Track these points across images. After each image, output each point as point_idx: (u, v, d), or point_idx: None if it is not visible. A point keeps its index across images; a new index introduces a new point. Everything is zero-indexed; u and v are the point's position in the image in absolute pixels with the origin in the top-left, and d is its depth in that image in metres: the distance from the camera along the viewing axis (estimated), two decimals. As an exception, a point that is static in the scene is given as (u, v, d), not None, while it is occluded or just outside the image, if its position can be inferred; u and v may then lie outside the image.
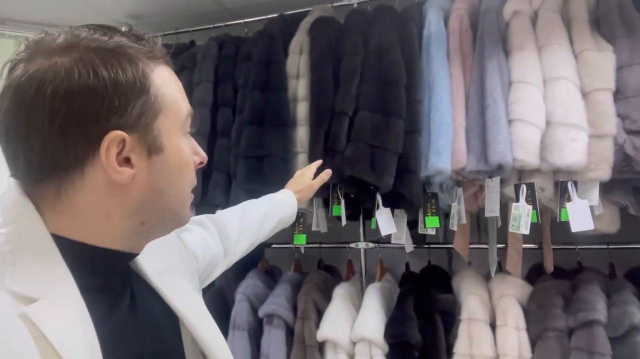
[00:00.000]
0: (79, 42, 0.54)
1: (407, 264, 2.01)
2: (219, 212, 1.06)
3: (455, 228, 1.65)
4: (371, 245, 1.98)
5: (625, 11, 1.51)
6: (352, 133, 1.62)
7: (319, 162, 1.37)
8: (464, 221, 1.64)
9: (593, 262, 1.79)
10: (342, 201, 1.70)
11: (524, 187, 1.48)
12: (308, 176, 1.30)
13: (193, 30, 2.34)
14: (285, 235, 1.44)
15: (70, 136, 0.52)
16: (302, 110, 1.82)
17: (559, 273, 1.76)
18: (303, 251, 1.95)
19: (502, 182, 1.57)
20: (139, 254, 0.64)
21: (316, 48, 1.85)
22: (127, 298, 0.61)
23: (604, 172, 1.40)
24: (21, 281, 0.50)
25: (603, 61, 1.46)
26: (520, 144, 1.43)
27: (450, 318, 1.64)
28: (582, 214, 1.40)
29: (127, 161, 0.56)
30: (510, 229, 1.50)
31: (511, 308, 1.57)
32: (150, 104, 0.56)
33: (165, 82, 0.59)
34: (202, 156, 0.66)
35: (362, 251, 2.03)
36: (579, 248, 1.75)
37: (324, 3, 2.05)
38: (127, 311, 0.60)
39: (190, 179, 0.64)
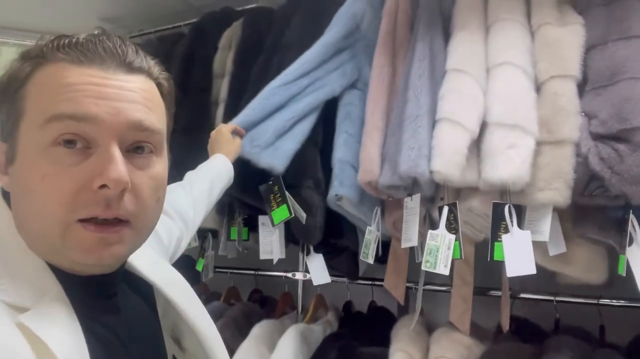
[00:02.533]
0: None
1: (347, 303, 1.63)
2: (168, 190, 0.99)
3: (369, 259, 1.27)
4: (309, 276, 1.65)
5: (608, -29, 1.08)
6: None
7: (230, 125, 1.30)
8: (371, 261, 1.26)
9: (582, 321, 1.30)
10: (240, 222, 1.41)
11: (445, 209, 1.08)
12: (228, 135, 1.27)
13: (156, 31, 2.20)
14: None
15: None
16: (220, 113, 1.57)
17: (530, 332, 1.30)
18: (207, 278, 1.66)
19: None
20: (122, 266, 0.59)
21: (242, 42, 1.60)
22: (115, 301, 0.58)
23: (559, 194, 0.97)
24: (10, 291, 0.48)
25: (567, 38, 1.04)
26: (439, 151, 1.03)
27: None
28: (522, 253, 0.97)
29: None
30: (423, 267, 1.09)
31: (443, 376, 1.16)
32: (15, 107, 0.51)
33: (42, 81, 0.51)
34: (107, 178, 0.48)
35: (299, 283, 1.70)
36: (557, 300, 1.28)
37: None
38: (115, 315, 0.57)
39: (62, 204, 0.48)
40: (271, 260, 1.52)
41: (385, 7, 1.34)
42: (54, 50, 0.51)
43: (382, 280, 1.53)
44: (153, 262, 0.67)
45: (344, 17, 1.32)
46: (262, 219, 1.47)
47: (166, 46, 1.92)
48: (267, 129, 1.26)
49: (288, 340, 1.44)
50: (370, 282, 1.56)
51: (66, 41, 0.52)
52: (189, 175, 1.14)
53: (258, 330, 1.52)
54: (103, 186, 0.48)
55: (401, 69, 1.25)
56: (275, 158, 1.24)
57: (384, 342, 1.36)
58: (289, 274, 1.66)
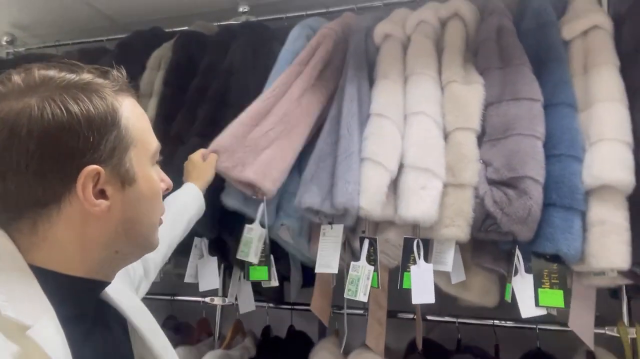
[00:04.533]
0: (48, 81, 0.55)
1: (266, 328, 1.67)
2: None
3: (249, 258, 1.31)
4: (228, 301, 1.66)
5: (504, 38, 1.27)
6: (174, 164, 1.33)
7: (201, 150, 1.29)
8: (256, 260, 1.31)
9: (481, 340, 1.46)
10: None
11: (366, 243, 1.18)
12: (198, 160, 1.25)
13: (74, 43, 2.11)
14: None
15: (47, 174, 0.53)
16: (146, 133, 1.55)
17: (436, 352, 1.44)
18: None
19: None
20: (110, 282, 0.64)
21: (173, 64, 1.61)
22: (99, 330, 0.61)
23: (461, 230, 1.11)
24: (16, 308, 0.51)
25: (470, 95, 1.20)
26: (364, 188, 1.14)
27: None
28: (425, 283, 1.09)
29: (102, 193, 0.57)
30: (346, 295, 1.19)
31: (355, 395, 1.24)
32: (122, 137, 0.58)
33: (133, 114, 0.61)
34: (168, 182, 0.69)
35: (218, 308, 1.70)
36: (459, 322, 1.43)
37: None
38: (99, 343, 0.60)
39: (160, 207, 0.66)
40: (188, 285, 1.51)
41: (310, 41, 1.42)
42: (119, 83, 0.61)
43: (302, 304, 1.60)
44: (120, 290, 0.70)
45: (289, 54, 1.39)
46: (196, 241, 1.44)
47: (87, 60, 1.85)
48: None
49: (206, 366, 1.44)
50: (290, 307, 1.61)
51: (115, 73, 0.62)
52: None
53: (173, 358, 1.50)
54: (166, 189, 0.67)
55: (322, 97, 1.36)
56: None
57: (302, 365, 1.43)
58: (207, 300, 1.66)
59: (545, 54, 1.25)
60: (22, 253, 0.56)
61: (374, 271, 1.15)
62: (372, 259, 1.17)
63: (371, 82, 1.34)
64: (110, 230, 0.59)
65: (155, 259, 1.02)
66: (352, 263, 1.18)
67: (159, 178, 0.67)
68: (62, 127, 0.53)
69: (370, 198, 1.14)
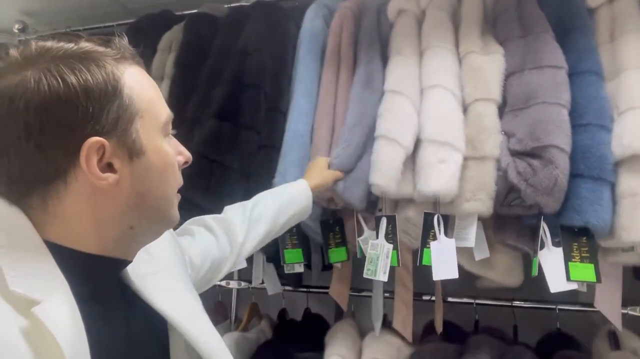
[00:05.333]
0: (45, 53, 0.53)
1: (282, 311, 1.65)
2: (227, 209, 1.03)
3: (378, 277, 1.28)
4: (244, 284, 1.64)
5: (525, 7, 1.22)
6: (193, 145, 1.31)
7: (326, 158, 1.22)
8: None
9: (499, 321, 1.43)
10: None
11: (384, 221, 1.14)
12: (322, 160, 1.20)
13: (85, 29, 2.10)
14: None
15: (49, 148, 0.52)
16: (158, 116, 1.53)
17: (453, 333, 1.40)
18: None
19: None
20: (131, 261, 0.62)
21: (184, 45, 1.58)
22: (120, 312, 0.60)
23: (483, 204, 1.07)
24: (24, 283, 0.50)
25: (489, 66, 1.15)
26: (377, 166, 1.11)
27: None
28: (447, 259, 1.05)
29: (109, 167, 0.55)
30: (365, 275, 1.15)
31: (376, 376, 1.21)
32: (126, 107, 0.56)
33: (138, 83, 0.58)
34: (187, 155, 0.66)
35: (234, 291, 1.69)
36: (477, 303, 1.39)
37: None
38: (119, 326, 0.59)
39: (175, 180, 0.63)
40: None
41: (331, 27, 1.40)
42: (121, 51, 0.57)
43: (316, 287, 1.58)
44: (152, 274, 0.67)
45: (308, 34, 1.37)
46: None
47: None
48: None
49: (222, 349, 1.43)
50: (305, 290, 1.59)
51: (117, 41, 0.58)
52: (258, 196, 1.08)
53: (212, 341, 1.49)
54: (185, 163, 0.65)
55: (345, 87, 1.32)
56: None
57: (319, 348, 1.40)
58: (223, 283, 1.65)
59: (569, 21, 1.20)
60: (37, 229, 0.54)
61: (393, 249, 1.11)
62: (390, 238, 1.13)
63: (385, 60, 1.30)
64: (122, 204, 0.57)
65: (245, 246, 0.98)
66: (371, 242, 1.14)
67: (175, 150, 0.64)
68: (59, 98, 0.51)
69: (384, 175, 1.10)
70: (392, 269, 1.25)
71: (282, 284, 1.54)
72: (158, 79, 1.62)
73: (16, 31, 2.23)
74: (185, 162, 0.66)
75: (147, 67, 1.61)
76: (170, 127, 0.64)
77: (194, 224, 0.96)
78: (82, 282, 0.55)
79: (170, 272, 0.73)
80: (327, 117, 1.29)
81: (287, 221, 1.08)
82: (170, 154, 0.62)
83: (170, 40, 1.66)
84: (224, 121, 1.34)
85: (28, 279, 0.51)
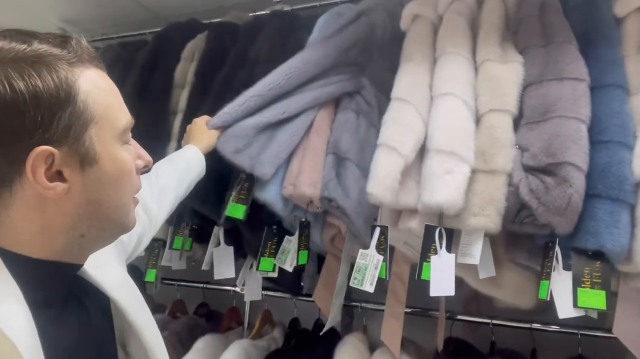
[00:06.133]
0: None
1: (294, 320, 1.64)
2: None
3: (286, 266, 1.28)
4: (239, 288, 1.64)
5: (549, 14, 1.16)
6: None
7: (205, 117, 1.25)
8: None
9: (517, 344, 1.36)
10: (186, 232, 1.40)
11: (377, 231, 1.12)
12: (201, 122, 1.22)
13: (119, 37, 2.18)
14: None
15: None
16: (177, 123, 1.56)
17: (466, 353, 1.35)
18: (155, 289, 1.63)
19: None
20: (83, 264, 0.62)
21: (205, 54, 1.61)
22: (74, 313, 0.59)
23: (490, 221, 1.02)
24: None
25: (506, 75, 1.10)
26: (374, 174, 1.08)
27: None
28: (446, 274, 1.01)
29: (59, 174, 0.53)
30: (351, 284, 1.13)
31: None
32: (79, 113, 0.53)
33: (95, 88, 0.55)
34: (147, 159, 0.65)
35: (247, 297, 1.69)
36: (493, 323, 1.33)
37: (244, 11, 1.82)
38: (72, 329, 0.58)
39: (132, 186, 0.61)
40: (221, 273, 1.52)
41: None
42: (79, 53, 0.55)
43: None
44: (101, 264, 0.67)
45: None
46: (215, 229, 1.44)
47: (127, 52, 1.91)
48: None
49: (231, 355, 1.43)
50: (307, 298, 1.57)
51: (74, 42, 0.56)
52: (156, 165, 1.07)
53: (201, 344, 1.50)
54: (144, 166, 0.64)
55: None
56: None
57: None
58: (238, 289, 1.66)
59: (593, 31, 1.13)
60: None
61: (383, 261, 1.08)
62: (382, 249, 1.10)
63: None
64: (71, 213, 0.55)
65: (159, 215, 1.00)
66: (361, 251, 1.12)
67: (135, 156, 0.62)
68: (5, 105, 0.49)
69: (379, 183, 1.07)
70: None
71: (278, 290, 1.54)
72: (180, 87, 1.66)
73: (57, 38, 2.34)
74: (145, 166, 0.65)
75: (170, 75, 1.64)
76: (130, 133, 0.62)
77: None
78: (33, 287, 0.54)
79: (111, 259, 0.73)
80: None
81: (188, 187, 1.11)
82: (127, 161, 0.59)
83: (194, 49, 1.69)
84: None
85: None
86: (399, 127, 1.10)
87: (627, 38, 1.12)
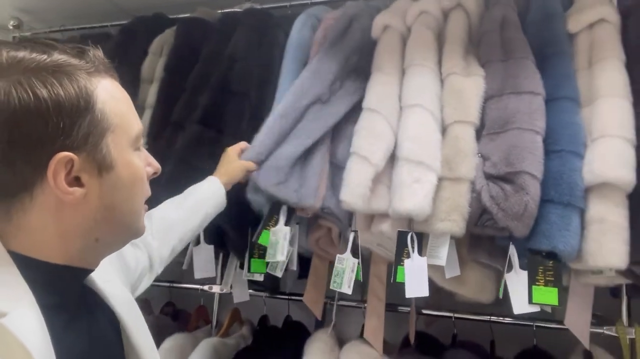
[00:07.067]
0: (16, 64, 0.52)
1: (263, 317, 1.67)
2: None
3: (275, 272, 1.33)
4: (225, 290, 1.66)
5: (508, 30, 1.24)
6: (175, 149, 1.33)
7: (238, 147, 1.24)
8: (294, 266, 1.32)
9: (477, 336, 1.45)
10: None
11: (351, 235, 1.17)
12: (231, 152, 1.21)
13: (79, 28, 2.11)
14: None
15: (16, 161, 0.52)
16: (146, 119, 1.55)
17: (431, 346, 1.43)
18: None
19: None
20: (94, 269, 0.63)
21: (175, 50, 1.60)
22: (84, 319, 0.61)
23: (456, 225, 1.09)
24: None
25: (469, 88, 1.18)
26: (346, 182, 1.14)
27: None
28: (419, 277, 1.08)
29: (77, 180, 0.55)
30: (331, 287, 1.19)
31: (348, 387, 1.24)
32: (97, 122, 0.55)
33: (111, 97, 0.58)
34: (156, 166, 0.67)
35: (215, 296, 1.71)
36: (455, 317, 1.42)
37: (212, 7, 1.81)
38: (83, 334, 0.59)
39: (143, 192, 0.64)
40: (186, 272, 1.52)
41: (315, 36, 1.42)
42: (95, 64, 0.57)
43: (299, 295, 1.60)
44: (110, 280, 0.69)
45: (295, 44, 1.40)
46: None
47: (90, 45, 1.86)
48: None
49: (200, 354, 1.45)
50: (287, 297, 1.61)
51: (91, 53, 0.58)
52: (164, 204, 1.07)
53: (169, 344, 1.50)
54: (153, 174, 0.67)
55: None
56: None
57: (298, 356, 1.42)
58: (206, 287, 1.66)
59: (549, 47, 1.22)
60: (1, 240, 0.54)
61: (358, 264, 1.14)
62: (356, 253, 1.17)
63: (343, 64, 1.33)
64: (88, 218, 0.57)
65: (162, 252, 0.99)
66: (338, 256, 1.19)
67: (145, 162, 0.65)
68: (29, 113, 0.51)
69: (351, 192, 1.14)
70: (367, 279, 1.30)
71: (261, 291, 1.56)
72: (148, 82, 1.64)
73: (11, 27, 2.24)
74: (154, 173, 0.68)
75: (137, 70, 1.62)
76: (141, 140, 0.64)
77: None
78: (46, 292, 0.55)
79: (119, 278, 0.75)
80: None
81: (202, 221, 1.10)
82: (139, 167, 0.62)
83: (162, 43, 1.68)
84: (207, 126, 1.36)
85: None
86: (370, 138, 1.16)
87: (579, 53, 1.21)
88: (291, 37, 1.46)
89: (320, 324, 1.66)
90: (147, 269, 0.95)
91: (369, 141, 1.16)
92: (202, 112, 1.38)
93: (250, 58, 1.43)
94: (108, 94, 0.57)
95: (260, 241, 1.19)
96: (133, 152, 0.61)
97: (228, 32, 1.56)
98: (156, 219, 1.00)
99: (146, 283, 0.96)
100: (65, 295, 0.59)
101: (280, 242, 1.15)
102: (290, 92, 1.26)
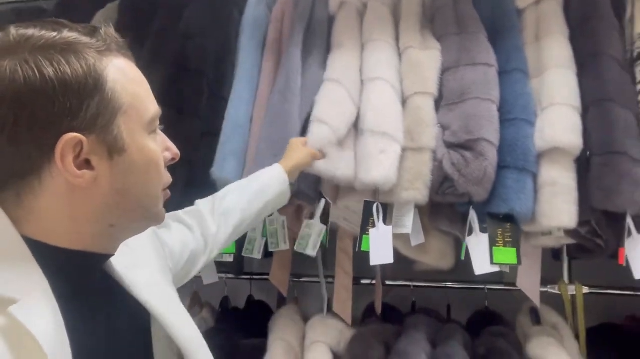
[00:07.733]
0: (24, 42, 0.50)
1: (224, 299, 1.65)
2: (198, 202, 1.01)
3: (309, 251, 1.31)
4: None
5: (461, 5, 1.28)
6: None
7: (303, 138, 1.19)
8: (287, 246, 1.31)
9: (434, 302, 1.52)
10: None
11: (322, 202, 1.19)
12: (296, 143, 1.15)
13: (10, 3, 1.94)
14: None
15: (22, 143, 0.50)
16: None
17: (392, 315, 1.48)
18: None
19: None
20: (113, 254, 0.61)
21: (118, 26, 1.50)
22: (102, 307, 0.59)
23: (419, 193, 1.13)
24: (0, 282, 0.49)
25: (427, 61, 1.21)
26: (309, 146, 1.14)
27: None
28: (384, 245, 1.11)
29: (87, 163, 0.53)
30: (296, 248, 1.21)
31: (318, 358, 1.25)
32: (107, 102, 0.53)
33: (123, 77, 0.55)
34: (175, 152, 0.64)
35: (174, 281, 1.66)
36: (414, 286, 1.47)
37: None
38: (101, 322, 0.57)
39: (161, 178, 0.60)
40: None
41: (272, 14, 1.40)
42: (107, 42, 0.55)
43: (260, 274, 1.59)
44: (132, 267, 0.65)
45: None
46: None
47: (24, 21, 1.72)
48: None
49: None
50: (248, 277, 1.60)
51: (103, 31, 0.55)
52: (229, 186, 1.05)
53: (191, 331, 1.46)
54: (172, 159, 0.63)
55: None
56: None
57: (263, 334, 1.42)
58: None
59: (499, 22, 1.28)
60: (14, 225, 0.52)
61: (326, 230, 1.17)
62: (325, 220, 1.18)
63: (319, 50, 1.33)
64: (100, 202, 0.55)
65: (218, 237, 0.96)
66: (306, 221, 1.20)
67: (162, 147, 0.61)
68: (35, 91, 0.49)
69: None
70: (333, 255, 1.31)
71: (223, 272, 1.54)
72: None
73: None
74: (173, 159, 0.64)
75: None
76: (158, 123, 0.61)
77: (169, 218, 0.92)
78: (62, 279, 0.53)
79: (150, 265, 0.72)
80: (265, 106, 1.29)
81: (263, 208, 1.06)
82: (155, 151, 0.59)
83: (104, 18, 1.58)
84: (166, 106, 1.30)
85: (4, 277, 0.50)
86: (329, 104, 1.17)
87: (527, 28, 1.28)
88: (247, 15, 1.43)
89: (283, 303, 1.67)
90: (202, 252, 0.92)
91: (328, 107, 1.16)
92: (160, 90, 1.30)
93: (205, 35, 1.38)
94: (120, 73, 0.55)
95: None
96: (148, 136, 0.58)
97: (178, 8, 1.50)
98: (218, 201, 0.99)
99: (201, 264, 0.93)
100: (82, 283, 0.57)
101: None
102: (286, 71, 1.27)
